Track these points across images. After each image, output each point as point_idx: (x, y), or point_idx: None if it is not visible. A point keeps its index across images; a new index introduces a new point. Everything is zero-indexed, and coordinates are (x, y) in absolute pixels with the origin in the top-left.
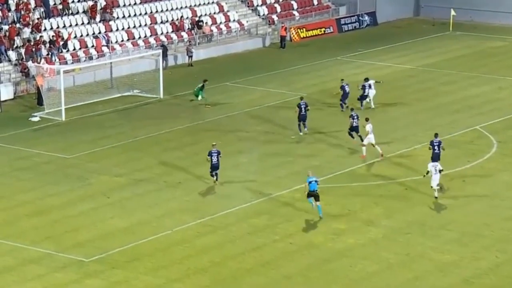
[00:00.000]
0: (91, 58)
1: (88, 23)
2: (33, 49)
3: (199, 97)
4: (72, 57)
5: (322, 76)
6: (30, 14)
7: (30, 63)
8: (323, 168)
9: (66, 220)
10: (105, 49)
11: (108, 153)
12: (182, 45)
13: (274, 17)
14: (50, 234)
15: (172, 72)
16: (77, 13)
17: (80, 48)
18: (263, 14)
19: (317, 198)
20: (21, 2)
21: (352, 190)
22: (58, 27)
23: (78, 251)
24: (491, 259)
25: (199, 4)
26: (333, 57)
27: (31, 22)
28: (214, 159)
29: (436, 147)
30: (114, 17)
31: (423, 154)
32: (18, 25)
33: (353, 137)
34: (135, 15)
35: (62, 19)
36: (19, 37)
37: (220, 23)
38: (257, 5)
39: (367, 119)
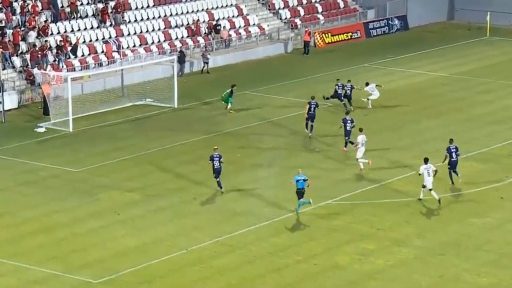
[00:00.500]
0: (100, 64)
1: (98, 27)
2: (39, 55)
3: (229, 104)
4: (81, 64)
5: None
6: (36, 18)
7: (35, 70)
8: (349, 183)
9: (73, 238)
10: (115, 55)
11: (119, 166)
12: (198, 51)
13: (297, 21)
14: (56, 253)
15: (188, 79)
16: (86, 16)
17: (89, 54)
18: (285, 18)
19: (301, 195)
20: (26, 4)
21: (381, 207)
22: (65, 32)
23: (86, 272)
24: None
25: (217, 7)
26: (360, 64)
27: (37, 26)
28: (216, 163)
29: (453, 154)
30: (125, 20)
31: (457, 169)
32: (23, 29)
33: (352, 143)
34: (148, 18)
35: (70, 23)
36: (24, 42)
37: (239, 27)
38: (279, 8)
39: (360, 130)
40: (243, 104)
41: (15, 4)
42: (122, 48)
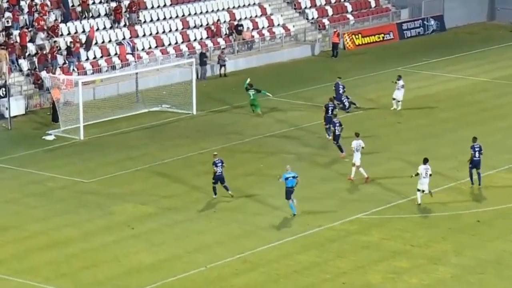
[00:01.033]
0: (114, 68)
1: (111, 27)
2: (48, 57)
3: (258, 109)
4: (92, 67)
5: (380, 90)
6: (45, 17)
7: (44, 74)
8: (381, 196)
9: (84, 254)
10: (130, 57)
11: (133, 177)
12: (218, 53)
13: (325, 21)
14: (65, 270)
15: (207, 84)
16: (98, 16)
17: (101, 57)
18: (312, 18)
19: (290, 194)
20: (34, 3)
21: (416, 222)
22: (76, 32)
23: None
24: None
25: (238, 6)
26: (393, 68)
27: (45, 27)
28: (219, 169)
29: (477, 153)
30: (140, 20)
31: (498, 181)
32: (30, 29)
33: (341, 150)
34: (164, 18)
35: (81, 23)
36: (32, 43)
37: (263, 28)
38: (306, 7)
39: (357, 135)
40: (267, 110)
41: (22, 3)
42: (137, 50)
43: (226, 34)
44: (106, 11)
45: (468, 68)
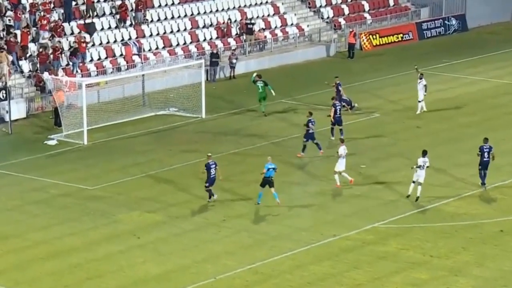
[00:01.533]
0: (119, 69)
1: (116, 27)
2: (50, 58)
3: (264, 103)
4: (97, 68)
5: (398, 93)
6: (48, 16)
7: (46, 75)
8: (398, 204)
9: (88, 264)
10: (136, 58)
11: (139, 184)
12: (229, 54)
13: (341, 20)
14: (68, 281)
15: (217, 86)
16: (103, 15)
17: (106, 58)
18: (328, 17)
19: (271, 184)
20: (36, 2)
21: (436, 231)
22: (80, 32)
23: None
24: None
25: (250, 5)
26: (412, 69)
27: (47, 27)
28: (213, 171)
29: (486, 154)
30: (147, 20)
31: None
32: (34, 29)
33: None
34: (172, 17)
35: (85, 22)
36: (33, 44)
37: (275, 27)
38: (321, 6)
39: (342, 141)
40: (280, 114)
41: (23, 1)
42: (144, 50)
43: (237, 34)
44: (111, 10)
45: (491, 70)
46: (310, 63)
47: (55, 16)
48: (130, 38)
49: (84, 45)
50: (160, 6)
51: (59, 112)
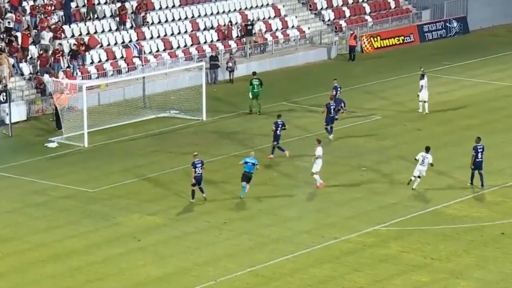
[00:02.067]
0: (119, 71)
1: (117, 29)
2: (50, 61)
3: (259, 100)
4: (97, 70)
5: (399, 95)
6: (48, 18)
7: (46, 78)
8: (399, 206)
9: (88, 267)
10: (136, 61)
11: (139, 186)
12: (227, 58)
13: (342, 22)
14: (69, 284)
15: (218, 89)
16: (104, 17)
17: (106, 60)
18: (329, 20)
19: (248, 180)
20: (37, 4)
21: (437, 234)
22: (80, 34)
23: None
24: None
25: (251, 7)
26: (413, 72)
27: (47, 28)
28: (199, 170)
29: (479, 154)
30: (148, 22)
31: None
32: (34, 31)
33: (281, 149)
34: (173, 20)
35: (85, 24)
36: (34, 46)
37: (276, 30)
38: (322, 8)
39: (319, 141)
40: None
41: (24, 3)
42: (144, 53)
43: (237, 36)
44: (111, 12)
45: (492, 72)
46: (311, 65)
47: (55, 18)
48: (130, 41)
49: (83, 48)
50: (160, 8)
51: (60, 114)
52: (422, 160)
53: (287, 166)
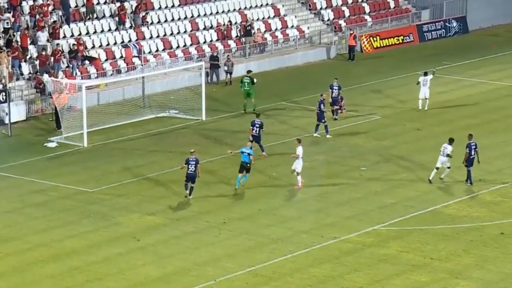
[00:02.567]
0: (119, 71)
1: (116, 29)
2: (50, 61)
3: (252, 99)
4: (97, 70)
5: (398, 95)
6: (46, 18)
7: (46, 78)
8: (398, 206)
9: (88, 267)
10: (136, 60)
11: (139, 186)
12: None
13: (342, 22)
14: (68, 284)
15: (217, 89)
16: (103, 17)
17: (106, 60)
18: (328, 19)
19: (247, 170)
20: (36, 4)
21: (436, 234)
22: (80, 34)
23: None
24: None
25: (250, 7)
26: (413, 72)
27: (47, 28)
28: (192, 167)
29: (473, 151)
30: (147, 22)
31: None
32: (32, 31)
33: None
34: (172, 20)
35: (85, 24)
36: (33, 46)
37: (276, 29)
38: (321, 8)
39: (299, 141)
40: (280, 116)
41: (23, 3)
42: (144, 53)
43: (237, 36)
44: (111, 12)
45: (492, 72)
46: (310, 65)
47: (54, 18)
48: (130, 40)
49: (81, 47)
50: (160, 8)
51: (59, 114)
52: (443, 151)
53: (287, 166)
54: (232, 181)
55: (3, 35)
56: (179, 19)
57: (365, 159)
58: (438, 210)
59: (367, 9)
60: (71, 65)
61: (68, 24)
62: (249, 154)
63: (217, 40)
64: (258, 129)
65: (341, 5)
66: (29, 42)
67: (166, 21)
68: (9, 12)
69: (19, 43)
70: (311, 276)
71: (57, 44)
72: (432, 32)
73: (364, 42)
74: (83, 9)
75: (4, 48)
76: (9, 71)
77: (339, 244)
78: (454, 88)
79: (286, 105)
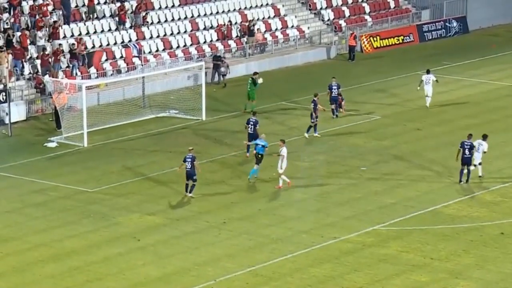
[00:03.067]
0: (119, 71)
1: (116, 29)
2: (50, 60)
3: (253, 100)
4: (97, 70)
5: (399, 95)
6: (45, 18)
7: (46, 78)
8: (398, 206)
9: (88, 267)
10: (136, 60)
11: (139, 186)
12: (229, 56)
13: (342, 22)
14: (68, 284)
15: (217, 89)
16: (103, 17)
17: (106, 60)
18: (328, 19)
19: (259, 161)
20: (35, 5)
21: (436, 234)
22: (80, 34)
23: None
24: None
25: (250, 7)
26: (413, 72)
27: (47, 28)
28: (188, 165)
29: (466, 150)
30: (147, 22)
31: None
32: (32, 31)
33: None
34: (172, 20)
35: (85, 24)
36: (33, 46)
37: (276, 29)
38: (321, 8)
39: (283, 141)
40: (279, 116)
41: (23, 3)
42: (144, 53)
43: (237, 36)
44: (111, 12)
45: (492, 72)
46: (310, 65)
47: (54, 18)
48: (130, 40)
49: (82, 47)
50: (160, 8)
51: (59, 114)
52: (478, 148)
53: (287, 166)
54: (231, 181)
55: (3, 35)
56: (179, 19)
57: (365, 159)
58: (438, 210)
59: (367, 9)
60: (71, 65)
61: (68, 24)
62: (263, 146)
63: (217, 40)
64: (253, 126)
65: (341, 5)
66: (28, 42)
67: (166, 21)
68: (10, 12)
69: (19, 43)
70: (311, 276)
71: (60, 44)
72: (432, 32)
73: (364, 42)
74: (83, 9)
75: (4, 48)
76: (10, 70)
77: (339, 244)
78: (454, 88)
79: (286, 105)
